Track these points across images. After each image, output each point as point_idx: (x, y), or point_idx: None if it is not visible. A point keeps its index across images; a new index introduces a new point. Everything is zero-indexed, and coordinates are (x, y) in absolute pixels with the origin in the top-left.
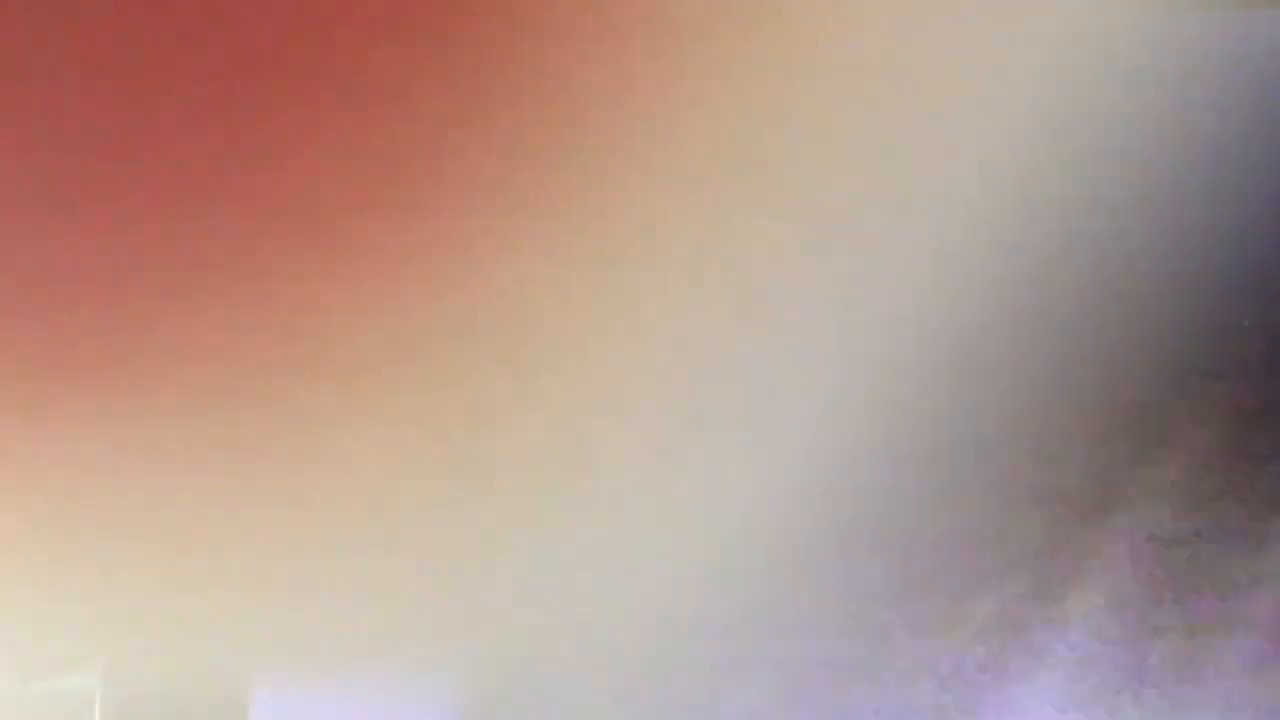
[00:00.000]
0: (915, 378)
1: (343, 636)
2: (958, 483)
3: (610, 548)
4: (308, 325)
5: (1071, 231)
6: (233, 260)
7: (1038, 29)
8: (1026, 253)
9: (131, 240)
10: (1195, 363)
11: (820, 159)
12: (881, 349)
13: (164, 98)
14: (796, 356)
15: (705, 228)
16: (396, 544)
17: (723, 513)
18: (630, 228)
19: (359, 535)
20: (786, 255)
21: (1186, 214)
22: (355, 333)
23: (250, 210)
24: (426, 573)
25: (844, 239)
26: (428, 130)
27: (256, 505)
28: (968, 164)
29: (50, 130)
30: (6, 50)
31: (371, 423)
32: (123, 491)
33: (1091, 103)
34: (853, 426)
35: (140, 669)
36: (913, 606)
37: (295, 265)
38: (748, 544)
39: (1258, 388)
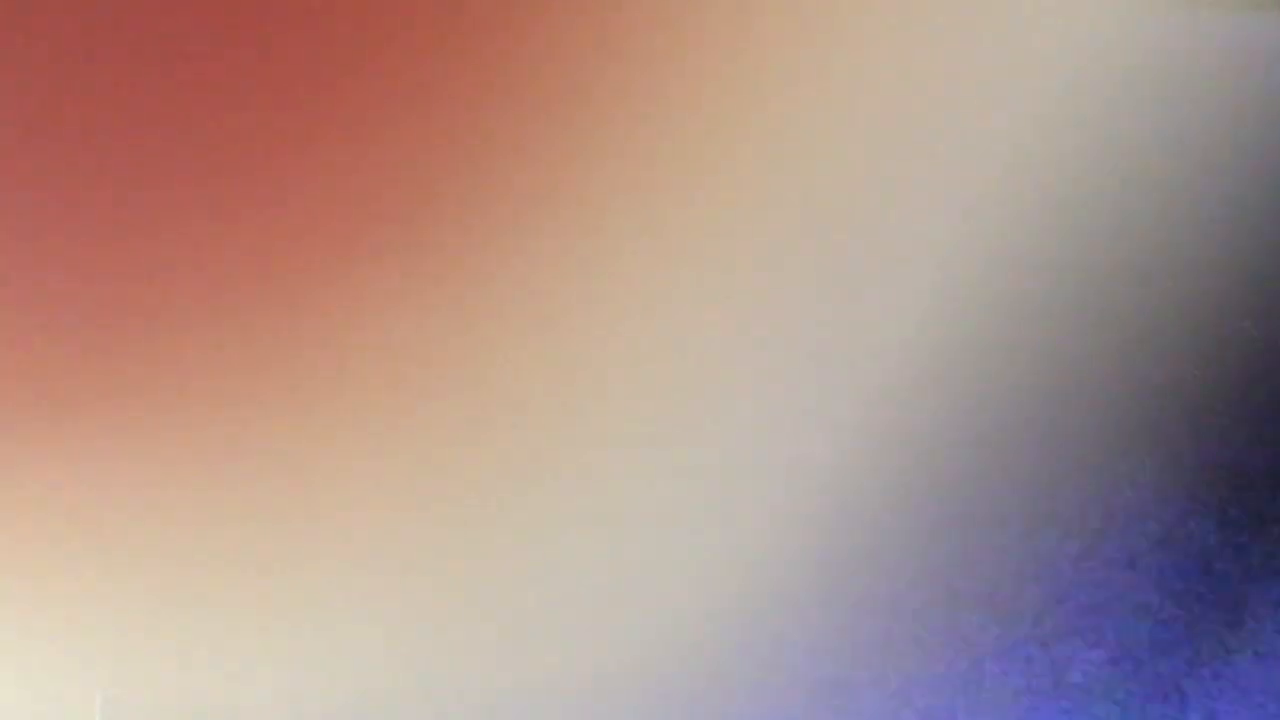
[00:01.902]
0: (922, 381)
1: (344, 658)
2: (967, 490)
3: (619, 558)
4: (311, 334)
5: (1073, 232)
6: (235, 272)
7: (1039, 33)
8: (1030, 254)
9: (134, 256)
10: (1195, 363)
11: (826, 162)
12: (889, 353)
13: (168, 118)
14: (807, 362)
15: (712, 234)
16: (406, 561)
17: (734, 521)
18: (638, 233)
19: (365, 555)
20: (796, 262)
21: (1187, 213)
22: (358, 344)
23: (252, 223)
24: (437, 588)
25: (851, 244)
26: (426, 141)
27: (256, 522)
28: (970, 168)
29: (55, 155)
30: (14, 74)
31: (379, 438)
32: (124, 514)
33: (1092, 106)
34: (864, 433)
35: (140, 691)
36: (927, 620)
37: (299, 275)
38: (759, 554)
39: (1259, 390)
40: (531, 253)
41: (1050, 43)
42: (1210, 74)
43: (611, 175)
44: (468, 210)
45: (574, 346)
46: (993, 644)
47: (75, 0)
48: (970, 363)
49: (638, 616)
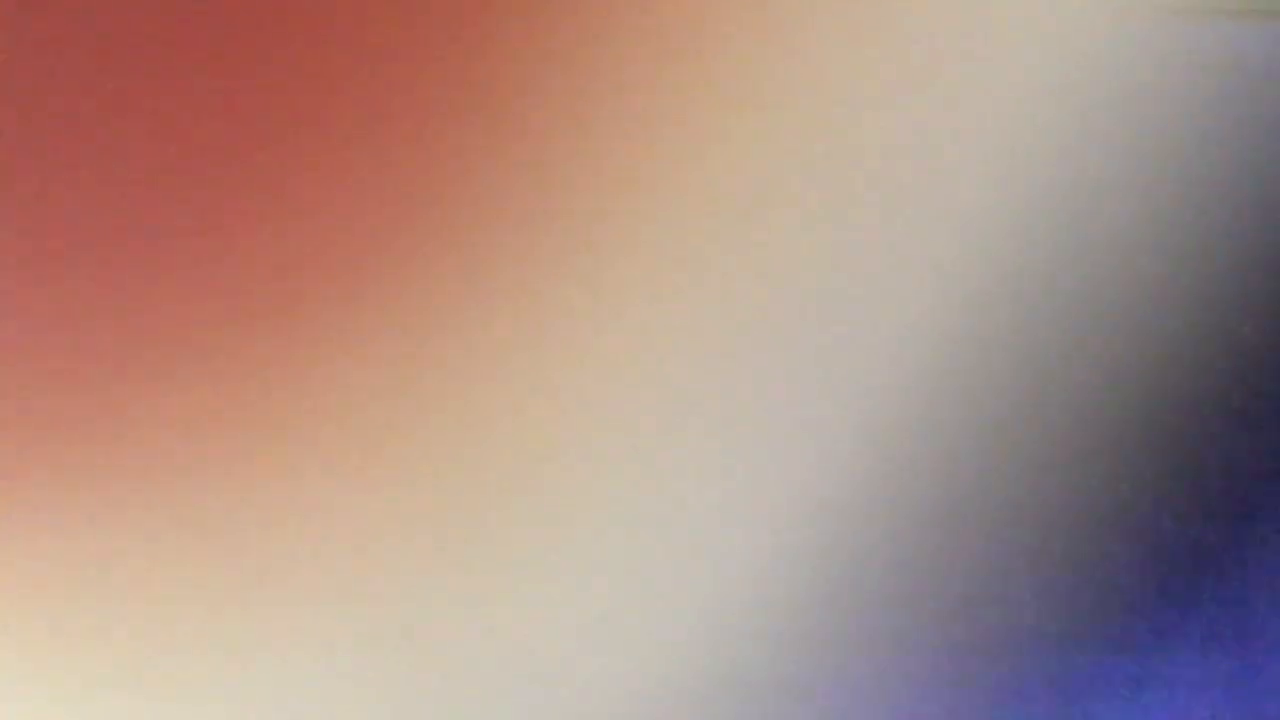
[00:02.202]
0: (920, 386)
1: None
2: (967, 493)
3: (625, 563)
4: (311, 343)
5: (1072, 240)
6: (229, 283)
7: (1037, 40)
8: (1027, 261)
9: (125, 266)
10: (1195, 371)
11: (824, 164)
12: (890, 355)
13: (155, 129)
14: (806, 365)
15: (714, 238)
16: (412, 571)
17: (738, 524)
18: (639, 236)
19: (371, 560)
20: (798, 265)
21: (1184, 222)
22: (360, 350)
23: (238, 233)
24: (444, 595)
25: (850, 247)
26: (425, 144)
27: (252, 529)
28: (968, 173)
29: (54, 161)
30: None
31: (384, 436)
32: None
33: (1090, 114)
34: (861, 437)
35: None
36: (927, 624)
37: (295, 281)
38: (755, 556)
39: (1257, 395)
40: (535, 254)
41: (1047, 50)
42: (1209, 82)
43: (612, 178)
44: (472, 211)
45: (580, 347)
46: (992, 646)
47: (77, 4)
48: (967, 365)
49: (647, 621)
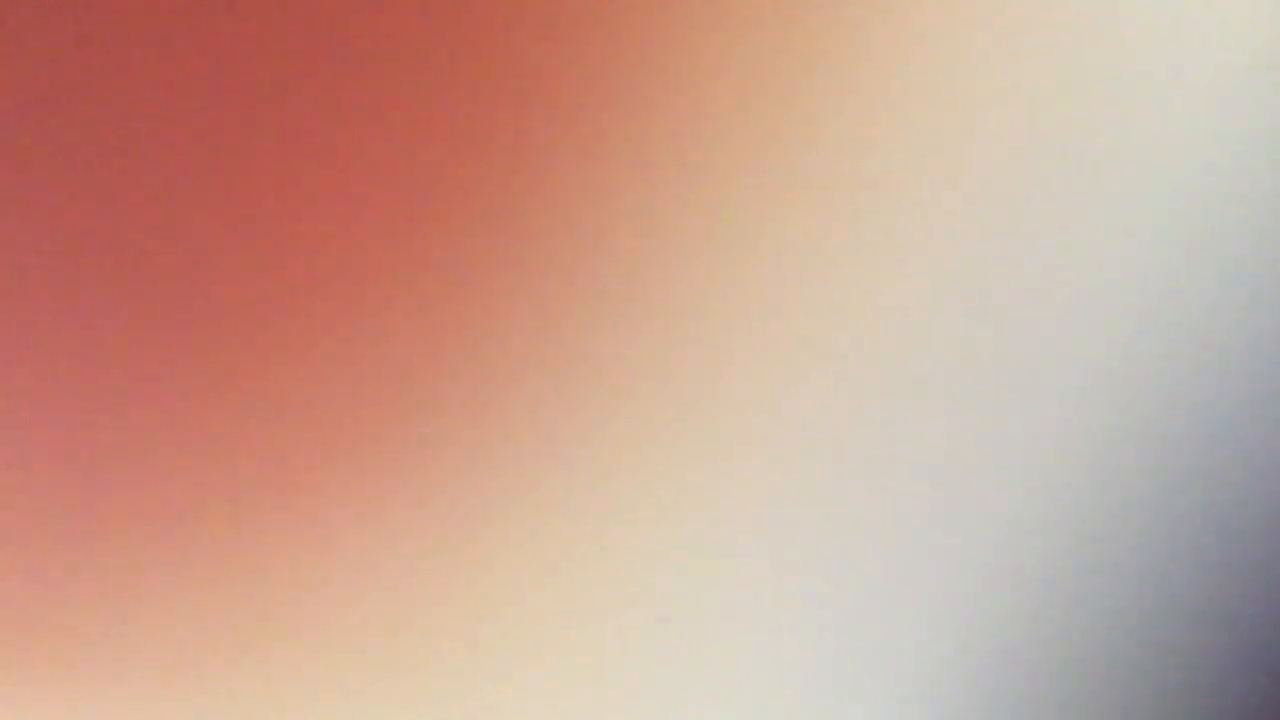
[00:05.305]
0: (917, 379)
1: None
2: (964, 485)
3: (614, 555)
4: (306, 342)
5: (1076, 231)
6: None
7: (1038, 28)
8: (1029, 254)
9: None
10: (1199, 374)
11: (832, 159)
12: (884, 351)
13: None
14: (804, 360)
15: (715, 234)
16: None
17: (729, 518)
18: (639, 230)
19: (377, 548)
20: (800, 259)
21: (1203, 215)
22: (360, 349)
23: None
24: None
25: (850, 243)
26: (426, 141)
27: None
28: (970, 166)
29: (49, 154)
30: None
31: (382, 432)
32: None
33: (1088, 102)
34: (859, 430)
35: None
36: (925, 625)
37: (294, 277)
38: (749, 548)
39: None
40: (530, 252)
41: (1050, 41)
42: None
43: (616, 176)
44: (473, 218)
45: (584, 342)
46: (995, 647)
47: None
48: (966, 360)
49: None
